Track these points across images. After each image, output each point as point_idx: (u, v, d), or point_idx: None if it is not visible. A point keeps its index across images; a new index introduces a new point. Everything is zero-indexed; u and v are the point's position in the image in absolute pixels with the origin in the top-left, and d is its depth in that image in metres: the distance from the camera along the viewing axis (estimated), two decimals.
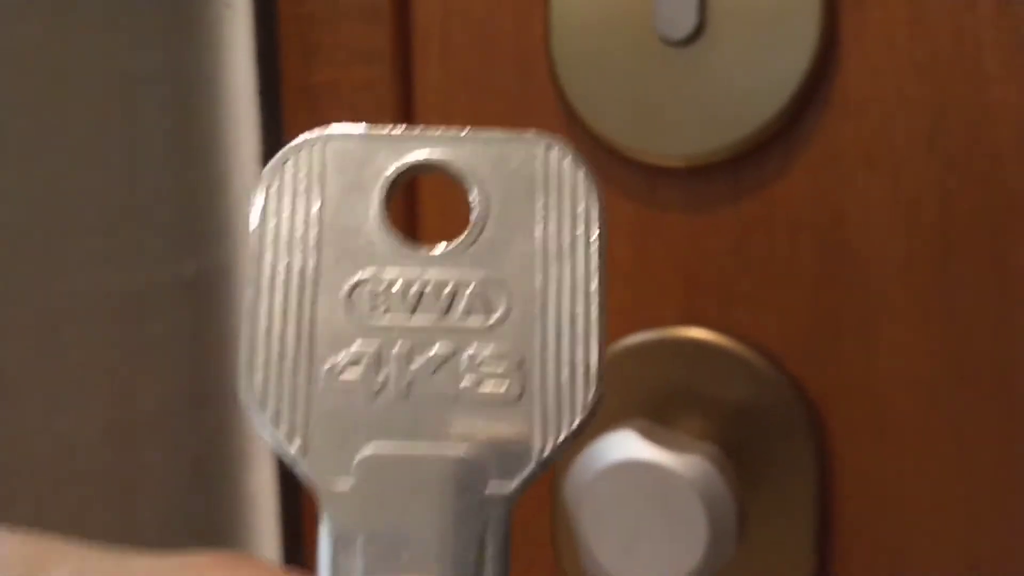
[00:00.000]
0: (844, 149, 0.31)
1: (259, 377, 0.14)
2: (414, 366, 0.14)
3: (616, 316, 0.34)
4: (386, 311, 0.14)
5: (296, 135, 0.15)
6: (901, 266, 0.31)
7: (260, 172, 0.15)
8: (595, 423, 0.14)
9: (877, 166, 0.31)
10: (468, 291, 0.14)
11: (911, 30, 0.30)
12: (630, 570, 0.28)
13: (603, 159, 0.33)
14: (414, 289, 0.14)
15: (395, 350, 0.14)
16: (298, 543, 0.41)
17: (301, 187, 0.15)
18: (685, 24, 0.31)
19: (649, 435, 0.29)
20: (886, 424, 0.31)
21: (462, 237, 0.14)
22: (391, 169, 0.15)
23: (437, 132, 0.15)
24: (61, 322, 0.34)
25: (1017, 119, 0.29)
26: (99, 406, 0.35)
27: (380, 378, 0.14)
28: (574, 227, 0.14)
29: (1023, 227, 0.29)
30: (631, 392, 0.33)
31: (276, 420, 0.14)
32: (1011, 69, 0.29)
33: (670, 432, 0.30)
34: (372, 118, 0.36)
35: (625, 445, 0.28)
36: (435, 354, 0.14)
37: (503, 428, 0.14)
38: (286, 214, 0.14)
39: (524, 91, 0.34)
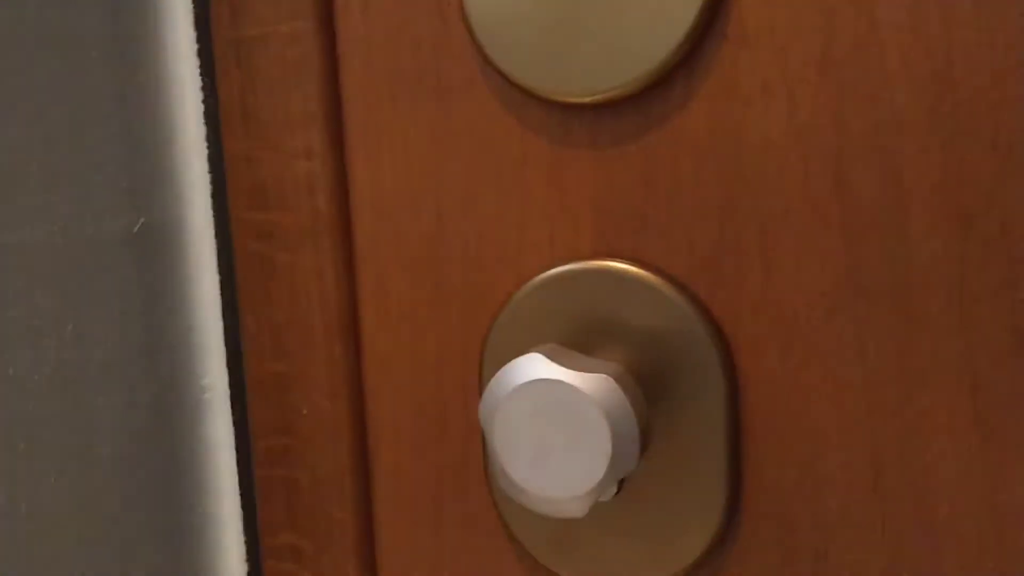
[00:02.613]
0: (742, 78, 0.32)
1: None
2: None
3: (533, 250, 0.35)
4: None
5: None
6: (799, 187, 0.32)
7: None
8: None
9: (773, 93, 0.32)
10: None
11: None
12: (538, 483, 0.29)
13: (517, 99, 0.35)
14: None
15: None
16: (251, 489, 0.43)
17: None
18: None
19: (556, 357, 0.30)
20: (790, 338, 0.32)
21: None
22: None
23: None
24: (7, 272, 0.35)
25: (903, 40, 0.30)
26: (49, 352, 0.37)
27: None
28: None
29: (914, 145, 0.30)
30: (546, 322, 0.34)
31: None
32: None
33: (576, 355, 0.31)
34: (298, 68, 0.37)
35: (532, 366, 0.30)
36: None
37: None
38: None
39: (440, 38, 0.36)
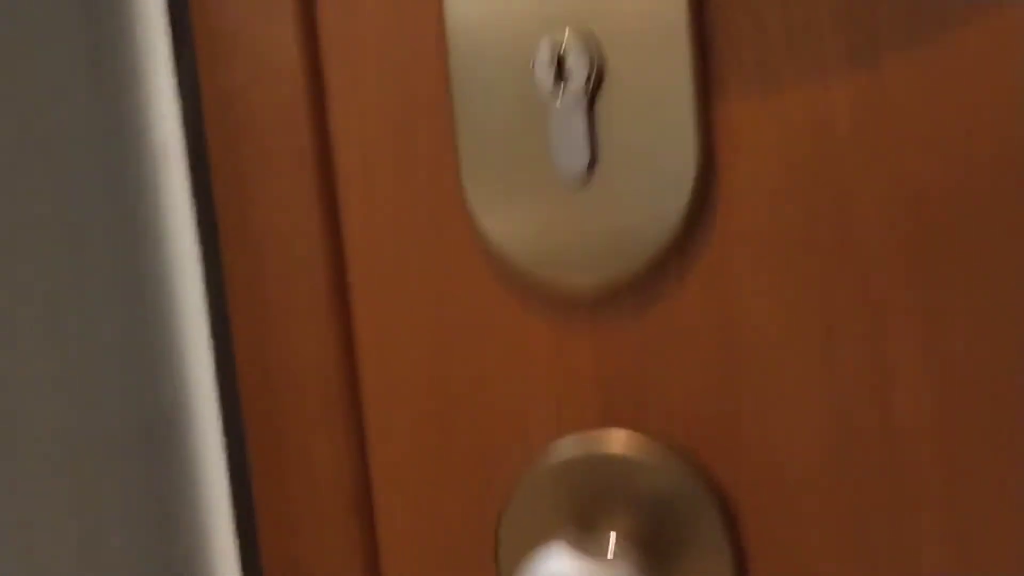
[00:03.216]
0: (731, 260, 0.34)
1: None
2: None
3: (540, 425, 0.37)
4: None
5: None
6: (787, 355, 0.34)
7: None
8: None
9: (760, 271, 0.34)
10: None
11: (779, 154, 0.33)
12: None
13: (518, 285, 0.36)
14: None
15: None
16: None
17: None
18: (579, 160, 0.34)
19: (577, 547, 0.32)
20: (793, 504, 0.34)
21: None
22: None
23: None
24: None
25: (881, 233, 0.33)
26: None
27: None
28: None
29: (897, 313, 0.33)
30: (556, 496, 0.36)
31: None
32: (871, 173, 0.33)
33: (596, 542, 0.33)
34: (306, 263, 0.39)
35: (557, 560, 0.31)
36: None
37: None
38: None
39: (444, 229, 0.37)
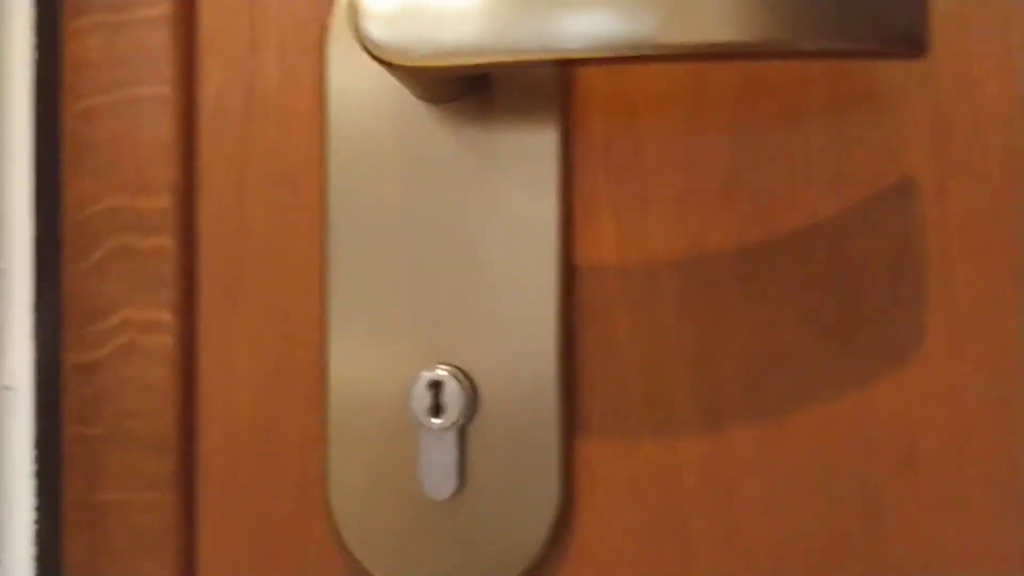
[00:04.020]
0: None
1: None
2: None
3: None
4: None
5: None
6: None
7: None
8: None
9: None
10: None
11: (632, 496, 0.36)
12: None
13: None
14: None
15: None
16: None
17: None
18: (447, 485, 0.36)
19: None
20: None
21: None
22: None
23: None
24: None
25: (717, 561, 0.36)
26: None
27: None
28: None
29: None
30: None
31: None
32: (712, 525, 0.36)
33: None
34: (159, 540, 0.38)
35: None
36: None
37: None
38: None
39: (302, 528, 0.38)
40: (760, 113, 0.36)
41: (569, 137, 0.36)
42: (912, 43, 0.30)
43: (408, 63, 0.31)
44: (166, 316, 0.37)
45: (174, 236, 0.37)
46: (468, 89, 0.35)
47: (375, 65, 0.31)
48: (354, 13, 0.31)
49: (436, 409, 0.36)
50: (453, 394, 0.36)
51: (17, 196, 0.40)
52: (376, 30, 0.31)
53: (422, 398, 0.36)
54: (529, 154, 0.36)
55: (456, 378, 0.36)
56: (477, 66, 0.31)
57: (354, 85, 0.36)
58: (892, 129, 0.35)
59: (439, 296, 0.36)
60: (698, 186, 0.36)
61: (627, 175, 0.36)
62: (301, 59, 0.37)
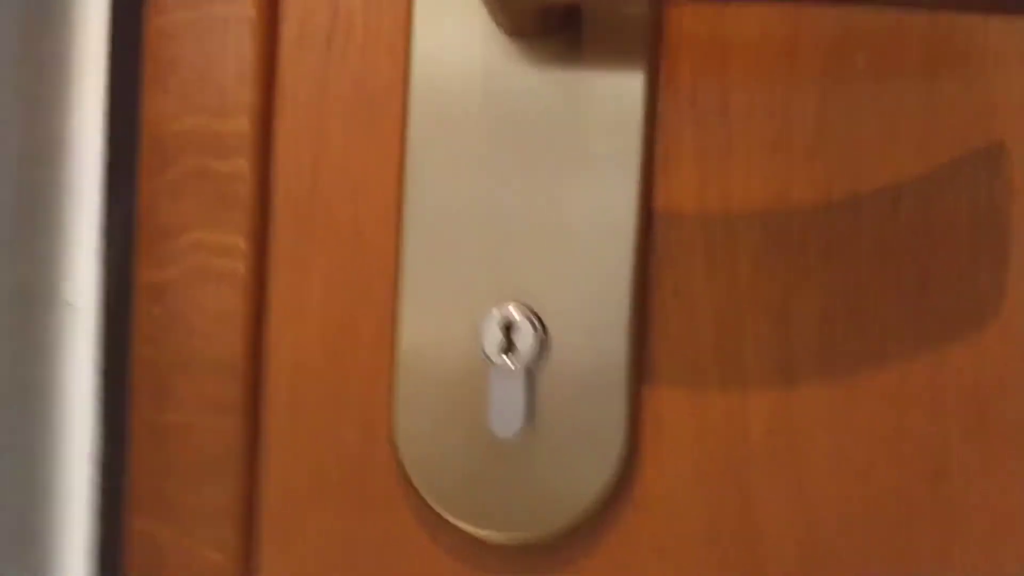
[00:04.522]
0: (640, 540, 0.36)
1: None
2: None
3: None
4: None
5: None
6: None
7: None
8: None
9: (666, 556, 0.36)
10: None
11: (697, 447, 0.36)
12: None
13: (433, 522, 0.37)
14: None
15: None
16: None
17: None
18: (513, 425, 0.36)
19: None
20: None
21: None
22: None
23: None
24: None
25: (778, 518, 0.36)
26: None
27: None
28: None
29: None
30: None
31: None
32: (775, 481, 0.36)
33: None
34: (222, 464, 0.38)
35: None
36: None
37: None
38: None
39: (367, 454, 0.38)
40: (853, 67, 0.35)
41: (656, 81, 0.35)
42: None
43: None
44: (239, 240, 0.37)
45: (251, 160, 0.36)
46: (558, 25, 0.35)
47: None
48: None
49: (507, 348, 0.36)
50: (524, 334, 0.36)
51: (89, 111, 0.39)
52: None
53: (493, 337, 0.36)
54: (615, 95, 0.35)
55: (528, 318, 0.36)
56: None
57: (440, 13, 0.36)
58: (984, 93, 0.35)
59: (514, 234, 0.36)
60: (784, 138, 0.35)
61: (713, 122, 0.35)
62: None
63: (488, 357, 0.36)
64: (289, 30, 0.37)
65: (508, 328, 0.36)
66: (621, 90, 0.35)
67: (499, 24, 0.35)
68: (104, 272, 0.40)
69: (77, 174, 0.40)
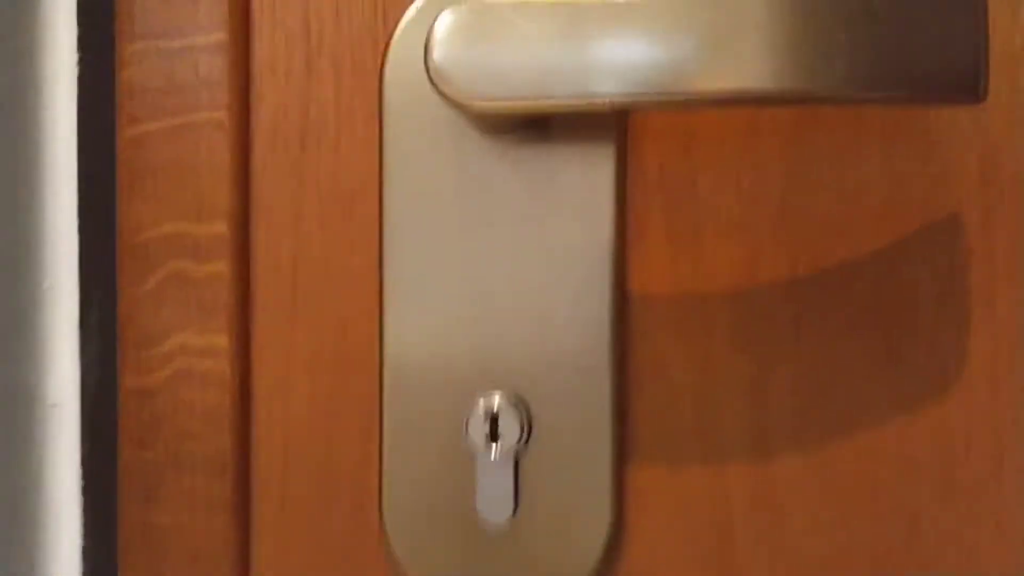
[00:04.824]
0: None
1: None
2: None
3: None
4: None
5: None
6: None
7: None
8: None
9: None
10: None
11: (681, 522, 0.37)
12: None
13: None
14: None
15: None
16: None
17: None
18: (503, 511, 0.37)
19: None
20: None
21: None
22: None
23: None
24: None
25: None
26: None
27: None
28: None
29: None
30: None
31: None
32: (758, 551, 0.37)
33: None
34: (215, 562, 0.38)
35: None
36: None
37: None
38: None
39: (357, 550, 0.38)
40: (814, 146, 0.36)
41: (624, 166, 0.36)
42: (970, 92, 0.31)
43: (477, 109, 0.31)
44: (222, 340, 0.37)
45: (230, 262, 0.37)
46: (527, 121, 0.36)
47: (432, 92, 0.32)
48: (427, 52, 0.31)
49: (493, 435, 0.36)
50: (509, 421, 0.36)
51: (63, 216, 0.40)
52: (447, 73, 0.31)
53: (478, 424, 0.36)
54: (585, 183, 0.36)
55: (512, 404, 0.36)
56: (543, 110, 0.32)
57: (411, 111, 0.36)
58: (941, 163, 0.36)
59: (494, 322, 0.37)
60: (751, 216, 0.36)
61: (681, 204, 0.37)
62: (357, 84, 0.37)
63: (474, 445, 0.37)
64: (262, 133, 0.37)
65: (494, 416, 0.36)
66: (591, 178, 0.36)
67: (470, 122, 0.36)
68: (84, 373, 0.40)
69: (54, 275, 0.40)
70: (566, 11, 0.31)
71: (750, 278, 0.37)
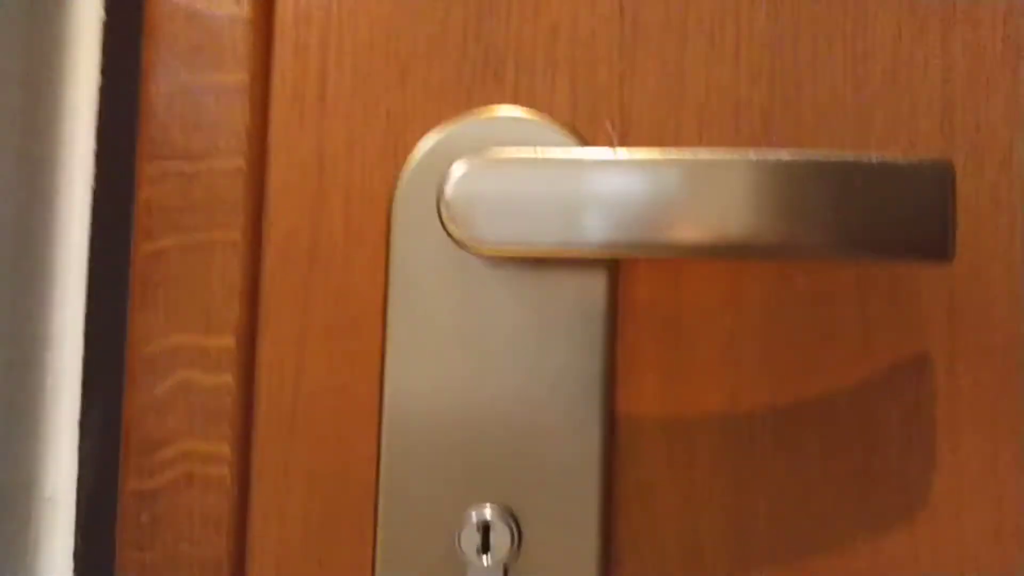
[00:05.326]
0: None
1: None
2: None
3: None
4: None
5: None
6: None
7: None
8: None
9: None
10: None
11: None
12: None
13: None
14: None
15: None
16: None
17: None
18: None
19: None
20: None
21: None
22: None
23: None
24: None
25: None
26: None
27: None
28: None
29: None
30: None
31: None
32: None
33: None
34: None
35: None
36: None
37: None
38: None
39: None
40: (793, 289, 0.39)
41: (615, 299, 0.39)
42: (938, 254, 0.33)
43: (485, 252, 0.33)
44: (224, 448, 0.38)
45: (236, 374, 0.38)
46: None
47: (438, 225, 0.34)
48: (439, 198, 0.33)
49: (484, 547, 0.38)
50: (500, 534, 0.38)
51: (70, 320, 0.41)
52: (459, 219, 0.33)
53: (471, 537, 0.38)
54: (578, 312, 0.38)
55: (503, 519, 0.38)
56: (543, 255, 0.34)
57: (416, 240, 0.38)
58: (911, 309, 0.39)
59: (489, 441, 0.38)
60: (734, 350, 0.39)
61: (668, 337, 0.39)
62: (366, 212, 0.38)
63: (466, 557, 0.38)
64: (273, 250, 0.39)
65: (485, 528, 0.38)
66: (584, 308, 0.38)
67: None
68: (83, 469, 0.41)
69: (56, 374, 0.41)
70: (567, 166, 0.34)
71: (733, 406, 0.39)
